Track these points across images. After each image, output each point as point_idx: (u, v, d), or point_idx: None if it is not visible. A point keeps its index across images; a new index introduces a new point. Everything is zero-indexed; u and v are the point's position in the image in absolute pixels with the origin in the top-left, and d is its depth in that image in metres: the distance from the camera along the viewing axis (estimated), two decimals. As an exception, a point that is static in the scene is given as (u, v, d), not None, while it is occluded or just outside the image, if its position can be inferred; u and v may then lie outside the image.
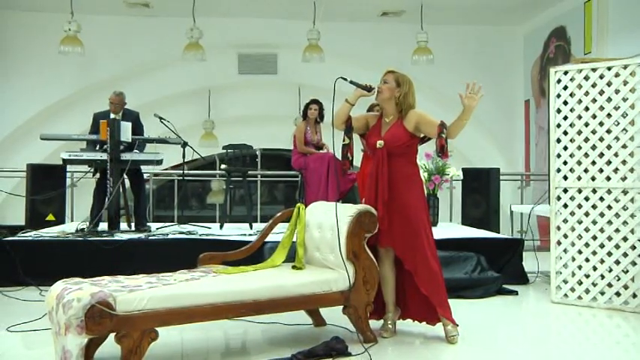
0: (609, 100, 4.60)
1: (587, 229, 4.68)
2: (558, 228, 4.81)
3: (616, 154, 4.57)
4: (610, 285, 4.60)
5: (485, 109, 9.45)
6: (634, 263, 4.50)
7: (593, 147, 4.66)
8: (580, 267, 4.70)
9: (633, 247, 4.50)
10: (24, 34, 9.20)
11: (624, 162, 4.54)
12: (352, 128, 3.73)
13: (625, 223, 4.54)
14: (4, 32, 9.20)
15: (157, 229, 6.19)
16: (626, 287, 4.54)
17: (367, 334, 3.57)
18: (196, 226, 6.46)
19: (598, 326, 4.28)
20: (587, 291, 4.70)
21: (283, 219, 4.01)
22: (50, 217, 6.76)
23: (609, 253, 4.58)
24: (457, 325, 3.64)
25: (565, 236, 4.78)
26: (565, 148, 4.79)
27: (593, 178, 4.67)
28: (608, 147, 4.59)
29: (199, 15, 8.44)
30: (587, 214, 4.68)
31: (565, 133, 4.79)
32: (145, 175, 6.82)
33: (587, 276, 4.68)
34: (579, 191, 4.72)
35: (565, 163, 4.79)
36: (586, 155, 4.69)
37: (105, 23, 9.18)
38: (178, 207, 8.49)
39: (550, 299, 4.84)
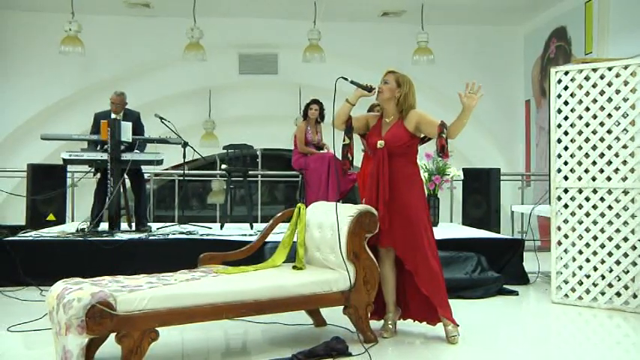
0: (610, 100, 4.60)
1: (587, 230, 4.68)
2: (559, 228, 4.81)
3: (617, 155, 4.57)
4: (610, 285, 4.60)
5: (485, 109, 9.47)
6: (634, 263, 4.50)
7: (594, 147, 4.65)
8: (580, 267, 4.70)
9: (634, 248, 4.50)
10: (24, 34, 9.21)
11: (625, 162, 4.54)
12: (352, 128, 3.74)
13: (625, 223, 4.54)
14: (4, 32, 9.21)
15: (158, 229, 6.20)
16: (626, 287, 4.54)
17: (368, 334, 3.56)
18: (197, 226, 6.47)
19: (598, 326, 4.28)
20: (587, 291, 4.69)
21: (284, 219, 4.01)
22: (51, 217, 6.76)
23: (610, 254, 4.58)
24: (458, 326, 3.64)
25: (566, 236, 4.78)
26: (566, 148, 4.79)
27: (593, 179, 4.67)
28: (609, 147, 4.59)
29: (200, 15, 8.44)
30: (587, 215, 4.68)
31: (566, 133, 4.79)
32: (146, 175, 6.81)
33: (588, 276, 4.68)
34: (580, 191, 4.72)
35: (566, 163, 4.79)
36: (587, 155, 4.69)
37: (105, 23, 9.18)
38: (179, 207, 8.49)
39: (550, 299, 4.84)
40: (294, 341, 3.61)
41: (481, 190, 7.20)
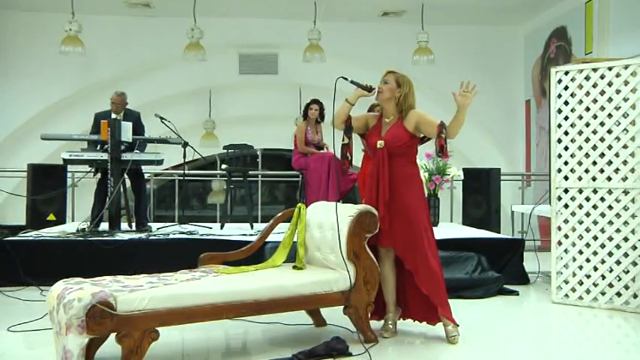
0: (610, 100, 4.60)
1: (587, 230, 4.68)
2: (559, 228, 4.81)
3: (617, 155, 4.57)
4: (611, 285, 4.60)
5: (485, 109, 9.48)
6: (635, 263, 4.50)
7: (594, 147, 4.65)
8: (581, 267, 4.70)
9: (634, 248, 4.50)
10: (24, 34, 9.21)
11: (625, 162, 4.54)
12: (352, 128, 3.74)
13: (626, 223, 4.54)
14: (4, 32, 9.21)
15: (158, 229, 6.20)
16: (627, 287, 4.54)
17: (368, 334, 3.56)
18: (197, 226, 6.46)
19: (599, 326, 4.28)
20: (587, 291, 4.69)
21: (284, 219, 4.01)
22: (51, 217, 6.75)
23: (610, 254, 4.58)
24: (457, 325, 3.64)
25: (566, 236, 4.78)
26: (566, 148, 4.79)
27: (594, 179, 4.67)
28: (609, 147, 4.59)
29: (200, 15, 8.44)
30: (587, 215, 4.68)
31: (566, 133, 4.79)
32: (146, 175, 6.82)
33: (588, 276, 4.68)
34: (580, 191, 4.72)
35: (566, 163, 4.79)
36: (587, 155, 4.69)
37: (105, 23, 9.18)
38: (179, 207, 8.49)
39: (551, 299, 4.84)
40: (295, 341, 3.61)
41: (481, 190, 7.20)
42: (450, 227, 6.75)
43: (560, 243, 4.81)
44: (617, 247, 4.56)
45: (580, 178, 4.72)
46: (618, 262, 4.55)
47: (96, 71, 9.34)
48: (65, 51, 8.18)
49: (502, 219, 7.37)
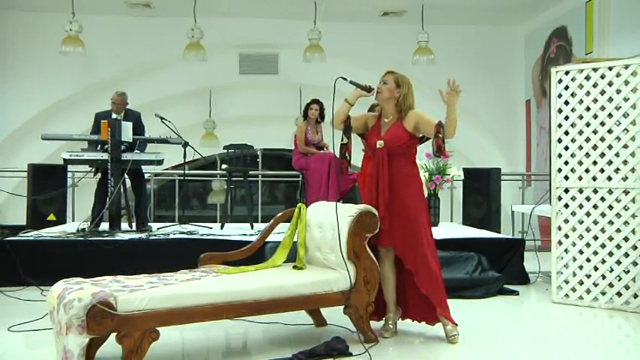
0: (610, 100, 4.60)
1: (588, 229, 4.67)
2: (559, 228, 4.81)
3: (617, 154, 4.57)
4: (611, 285, 4.60)
5: (486, 109, 9.48)
6: (635, 263, 4.50)
7: (595, 147, 4.65)
8: (581, 267, 4.70)
9: (634, 247, 4.50)
10: (24, 34, 9.21)
11: (625, 162, 4.54)
12: (351, 128, 3.74)
13: (626, 223, 4.53)
14: (4, 32, 9.21)
15: (158, 229, 6.20)
16: (627, 287, 4.54)
17: (368, 334, 3.56)
18: (197, 226, 6.46)
19: (599, 326, 4.28)
20: (588, 291, 4.69)
21: (284, 219, 4.01)
22: (51, 217, 6.75)
23: (610, 253, 4.58)
24: (456, 325, 3.64)
25: (566, 236, 4.78)
26: (566, 148, 4.78)
27: (594, 178, 4.66)
28: (610, 147, 4.59)
29: (200, 15, 8.43)
30: (588, 214, 4.68)
31: (566, 133, 4.79)
32: (146, 175, 6.81)
33: (589, 276, 4.67)
34: (580, 191, 4.72)
35: (566, 163, 4.78)
36: (587, 155, 4.68)
37: (106, 23, 9.18)
38: (179, 207, 8.49)
39: (551, 299, 4.84)
40: (295, 341, 3.61)
41: (481, 190, 7.19)
42: (450, 227, 6.75)
43: (560, 243, 4.81)
44: (618, 246, 4.55)
45: (580, 178, 4.72)
46: (619, 262, 4.55)
47: (96, 71, 9.35)
48: (65, 51, 8.18)
49: (502, 219, 7.37)
